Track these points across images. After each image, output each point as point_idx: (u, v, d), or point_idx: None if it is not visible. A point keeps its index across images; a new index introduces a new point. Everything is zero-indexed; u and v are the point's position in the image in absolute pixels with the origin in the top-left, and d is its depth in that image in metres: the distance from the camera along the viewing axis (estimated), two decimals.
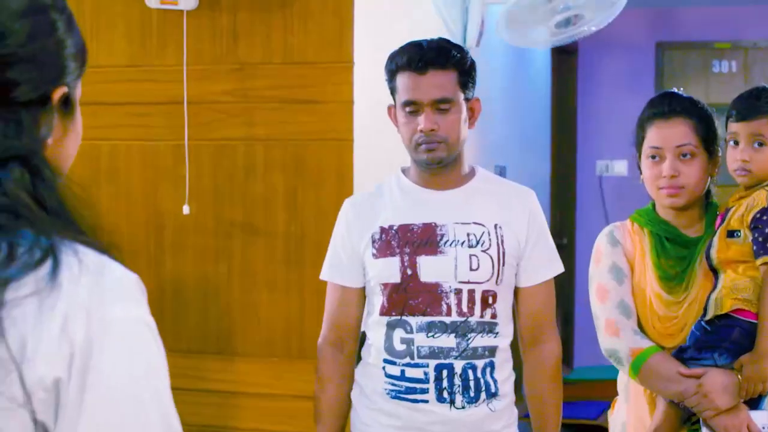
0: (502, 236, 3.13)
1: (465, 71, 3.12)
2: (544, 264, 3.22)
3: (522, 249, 3.16)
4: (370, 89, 4.05)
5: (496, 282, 3.11)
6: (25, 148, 1.35)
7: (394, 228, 3.14)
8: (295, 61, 4.05)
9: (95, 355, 1.28)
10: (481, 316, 3.10)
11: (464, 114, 3.12)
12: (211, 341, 4.17)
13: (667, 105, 3.19)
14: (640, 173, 3.23)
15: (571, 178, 8.87)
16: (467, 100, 3.14)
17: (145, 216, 4.24)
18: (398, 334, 3.12)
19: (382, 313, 3.13)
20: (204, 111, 4.14)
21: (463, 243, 3.10)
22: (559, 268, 3.26)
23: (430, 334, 3.08)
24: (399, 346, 3.11)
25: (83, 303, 1.29)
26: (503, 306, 3.15)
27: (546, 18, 5.03)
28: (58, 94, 1.42)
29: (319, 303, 3.96)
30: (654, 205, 3.24)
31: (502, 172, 6.38)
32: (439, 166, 3.12)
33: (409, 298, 3.10)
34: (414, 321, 3.09)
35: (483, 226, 3.13)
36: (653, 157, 3.14)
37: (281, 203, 4.08)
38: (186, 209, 4.12)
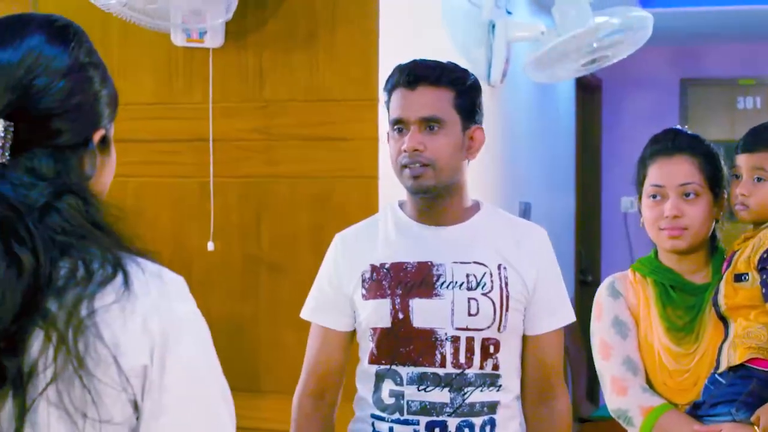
0: (506, 278, 2.80)
1: (463, 92, 2.82)
2: (554, 311, 2.90)
3: (530, 293, 2.83)
4: None
5: (499, 329, 2.79)
6: (75, 183, 1.61)
7: (386, 266, 2.83)
8: (321, 99, 4.06)
9: (170, 344, 1.59)
10: (481, 368, 2.77)
11: (458, 139, 2.80)
12: (237, 378, 4.14)
13: (670, 141, 3.01)
14: (641, 215, 3.06)
15: (596, 215, 8.86)
16: (466, 126, 2.83)
17: (171, 253, 4.24)
18: (387, 385, 2.80)
19: (370, 362, 2.84)
20: (230, 148, 4.16)
21: (461, 285, 2.78)
22: (569, 317, 2.94)
23: (421, 387, 2.76)
24: (388, 400, 2.80)
25: (154, 303, 1.61)
26: (508, 356, 2.83)
27: (575, 60, 5.05)
28: (97, 136, 1.68)
29: None
30: (656, 253, 3.06)
31: (527, 208, 6.37)
32: (428, 196, 2.80)
33: (400, 345, 2.78)
34: (404, 371, 2.78)
35: (485, 266, 2.80)
36: (654, 196, 2.97)
37: (306, 240, 4.09)
38: (211, 246, 4.12)
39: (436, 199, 2.83)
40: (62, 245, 1.56)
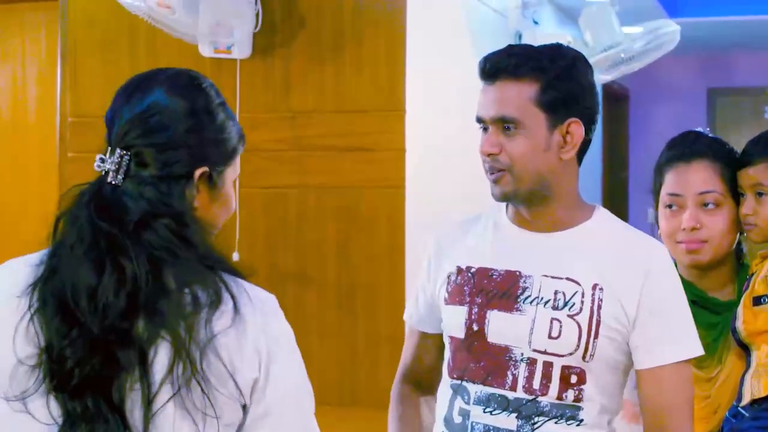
0: (600, 300, 2.40)
1: (551, 83, 2.40)
2: (668, 340, 2.41)
3: (630, 321, 2.40)
4: (422, 137, 4.06)
5: (584, 357, 2.39)
6: (175, 208, 1.89)
7: (472, 270, 2.51)
8: (347, 110, 4.06)
9: (273, 358, 1.90)
10: (559, 398, 2.40)
11: (542, 140, 2.40)
12: None
13: (688, 146, 2.74)
14: (658, 227, 2.80)
15: None
16: (555, 123, 2.41)
17: None
18: (458, 403, 2.50)
19: (448, 373, 2.54)
20: (256, 159, 4.16)
21: (547, 302, 2.42)
22: (692, 350, 2.43)
23: (488, 409, 2.45)
24: (456, 418, 2.51)
25: (260, 326, 1.90)
26: (596, 389, 2.42)
27: (601, 70, 5.06)
28: (198, 172, 1.94)
29: (371, 350, 3.97)
30: (677, 266, 2.69)
31: None
32: (513, 202, 2.49)
33: (471, 359, 2.48)
34: (473, 389, 2.46)
35: (578, 284, 2.42)
36: (670, 206, 2.71)
37: (333, 250, 4.09)
38: (236, 256, 4.13)
39: (528, 205, 2.48)
40: (157, 259, 1.83)
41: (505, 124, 2.40)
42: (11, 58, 5.35)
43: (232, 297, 1.87)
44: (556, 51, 2.46)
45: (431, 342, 2.67)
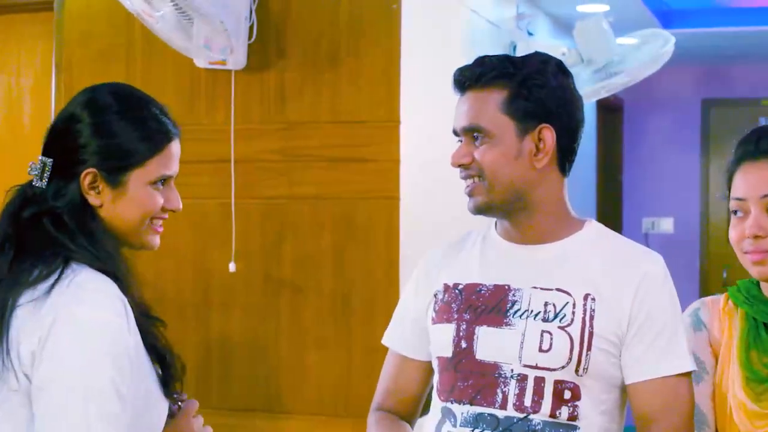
0: (592, 311, 2.28)
1: (520, 90, 2.33)
2: (658, 354, 2.29)
3: (624, 332, 2.29)
4: (417, 148, 4.06)
5: (577, 371, 2.27)
6: (56, 208, 2.13)
7: (460, 287, 2.41)
8: (343, 120, 4.07)
9: (54, 337, 1.98)
10: (552, 416, 2.26)
11: (512, 148, 2.33)
12: (258, 399, 4.17)
13: (753, 144, 2.36)
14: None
15: None
16: (526, 129, 2.33)
17: (192, 274, 4.26)
18: (445, 427, 2.36)
19: (437, 397, 2.41)
20: (251, 170, 4.17)
21: (537, 315, 2.31)
22: (683, 365, 2.30)
23: (476, 431, 2.31)
24: None
25: (59, 305, 2.00)
26: (592, 406, 2.29)
27: (592, 81, 5.07)
28: (83, 174, 2.14)
29: (367, 361, 3.97)
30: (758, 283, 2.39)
31: None
32: (490, 215, 2.41)
33: (458, 379, 2.35)
34: (459, 411, 2.33)
35: (568, 294, 2.31)
36: (736, 212, 2.35)
37: (328, 261, 4.09)
38: (232, 267, 4.13)
39: (509, 218, 2.40)
40: (33, 248, 2.10)
41: (474, 133, 2.35)
42: (6, 69, 5.34)
43: (57, 279, 2.03)
44: (526, 58, 2.41)
45: (414, 369, 2.53)
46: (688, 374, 2.32)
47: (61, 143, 2.16)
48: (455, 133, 2.42)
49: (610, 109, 8.55)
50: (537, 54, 2.44)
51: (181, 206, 2.34)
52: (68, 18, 4.43)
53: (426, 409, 2.53)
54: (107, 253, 2.13)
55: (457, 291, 2.41)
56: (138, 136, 2.19)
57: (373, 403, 2.60)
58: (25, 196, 2.17)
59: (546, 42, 5.89)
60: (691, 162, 8.92)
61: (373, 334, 3.95)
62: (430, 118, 4.21)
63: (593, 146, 8.24)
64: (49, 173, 2.16)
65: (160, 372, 2.19)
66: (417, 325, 2.49)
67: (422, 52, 4.22)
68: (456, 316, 2.38)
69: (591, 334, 2.28)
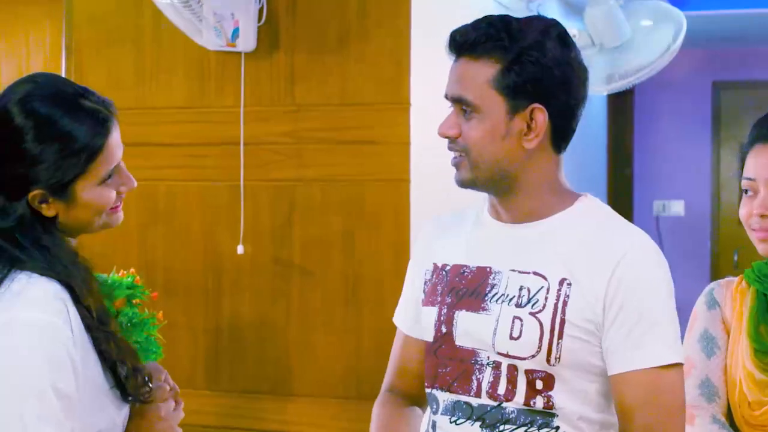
0: (566, 296, 2.15)
1: (513, 65, 2.16)
2: (635, 343, 2.12)
3: (601, 320, 2.14)
4: (426, 130, 4.05)
5: (548, 360, 2.15)
6: (9, 225, 2.11)
7: (447, 268, 2.32)
8: (352, 103, 4.06)
9: None
10: (527, 404, 2.16)
11: (499, 126, 2.18)
12: (268, 381, 4.17)
13: (766, 125, 2.47)
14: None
15: (627, 218, 8.79)
16: (516, 108, 2.17)
17: (201, 256, 4.26)
18: (429, 414, 2.32)
19: (425, 381, 2.36)
20: (260, 152, 4.16)
21: (511, 299, 2.19)
22: (663, 355, 2.12)
23: (453, 419, 2.24)
24: (430, 430, 2.32)
25: None
26: (570, 396, 2.17)
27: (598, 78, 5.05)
28: (31, 195, 2.10)
29: (376, 343, 3.97)
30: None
31: None
32: (474, 189, 2.28)
33: (439, 365, 2.28)
34: (441, 398, 2.27)
35: (544, 278, 2.18)
36: (746, 191, 2.43)
37: (338, 244, 4.09)
38: (240, 249, 4.13)
39: (495, 194, 2.28)
40: None
41: (462, 105, 2.20)
42: (16, 52, 5.35)
43: None
44: (525, 26, 2.20)
45: (416, 347, 2.43)
46: (673, 366, 2.13)
47: (3, 166, 2.10)
48: (446, 97, 2.26)
49: (620, 92, 8.53)
50: (538, 20, 2.25)
51: (135, 184, 2.24)
52: (77, 1, 4.42)
53: None
54: (60, 263, 2.10)
55: (444, 272, 2.32)
56: (73, 147, 2.11)
57: (384, 382, 2.54)
58: None
59: None
60: (701, 144, 8.90)
61: (382, 316, 3.95)
62: (440, 100, 4.20)
63: (604, 129, 8.23)
64: None
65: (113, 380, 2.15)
66: (416, 303, 2.41)
67: (432, 34, 4.20)
68: (439, 300, 2.29)
69: (563, 321, 2.13)
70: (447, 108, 2.27)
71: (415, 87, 4.00)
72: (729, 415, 2.44)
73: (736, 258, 8.22)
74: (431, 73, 4.13)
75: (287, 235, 4.16)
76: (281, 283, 4.17)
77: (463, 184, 2.25)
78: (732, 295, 2.49)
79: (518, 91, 2.16)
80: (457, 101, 2.20)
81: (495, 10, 4.93)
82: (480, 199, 2.37)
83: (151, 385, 2.23)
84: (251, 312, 4.19)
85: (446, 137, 2.23)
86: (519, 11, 5.09)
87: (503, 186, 2.23)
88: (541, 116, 2.18)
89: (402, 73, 3.99)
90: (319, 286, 4.11)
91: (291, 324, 4.15)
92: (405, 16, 3.99)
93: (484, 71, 2.16)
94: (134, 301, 3.52)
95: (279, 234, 4.17)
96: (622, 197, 8.66)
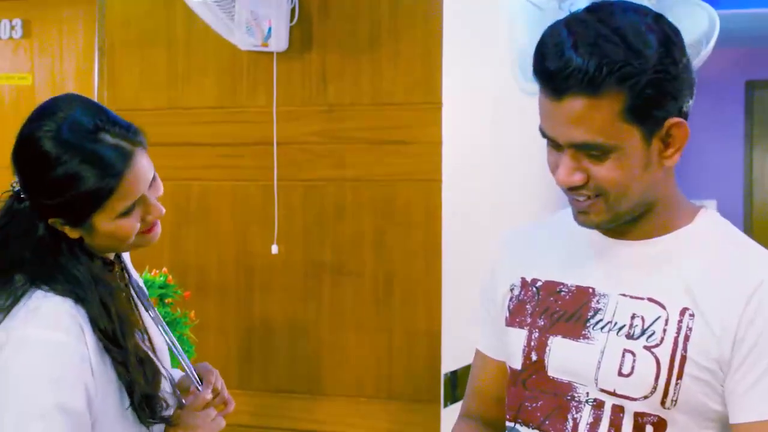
0: (688, 329, 1.86)
1: (641, 88, 1.81)
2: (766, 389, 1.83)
3: (728, 359, 1.85)
4: (458, 130, 4.05)
5: (663, 403, 1.87)
6: (27, 236, 2.18)
7: (538, 284, 2.06)
8: (384, 103, 4.06)
9: (6, 352, 2.03)
10: None
11: (640, 157, 1.87)
12: (299, 381, 4.18)
13: None
14: None
15: None
16: (653, 130, 1.87)
17: (234, 256, 4.27)
18: None
19: (506, 412, 2.10)
20: (293, 152, 4.17)
21: (621, 329, 1.91)
22: None
23: None
24: None
25: (11, 324, 2.05)
26: None
27: None
28: (51, 221, 2.16)
29: (407, 344, 3.96)
30: None
31: None
32: (603, 228, 1.99)
33: (527, 397, 2.02)
34: None
35: (662, 307, 1.89)
36: None
37: (370, 243, 4.09)
38: (275, 249, 4.14)
39: (624, 221, 1.98)
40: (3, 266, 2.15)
41: (588, 150, 1.87)
42: (49, 52, 5.38)
43: (14, 303, 2.09)
44: (639, 41, 1.83)
45: (495, 369, 2.21)
46: None
47: (27, 190, 2.17)
48: (544, 135, 1.94)
49: None
50: (646, 31, 1.85)
51: (163, 210, 2.23)
52: (109, 1, 4.43)
53: None
54: (78, 284, 2.13)
55: (534, 289, 2.06)
56: (80, 189, 2.12)
57: (461, 407, 2.34)
58: (11, 210, 2.20)
59: None
60: (734, 144, 8.86)
61: (413, 317, 3.95)
62: (472, 100, 4.19)
63: None
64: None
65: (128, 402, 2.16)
66: (495, 321, 2.16)
67: (464, 33, 4.20)
68: (529, 321, 2.03)
69: (683, 358, 1.86)
70: (543, 145, 1.98)
71: (447, 87, 3.99)
72: None
73: None
74: (464, 73, 4.13)
75: (319, 235, 4.16)
76: (313, 282, 4.17)
77: (597, 227, 1.97)
78: None
79: (655, 115, 1.87)
80: (581, 147, 1.87)
81: (528, 10, 4.92)
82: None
83: (170, 405, 2.24)
84: (283, 312, 4.20)
85: (571, 190, 1.93)
86: (552, 10, 5.07)
87: (639, 210, 1.96)
88: (681, 130, 1.90)
89: (434, 72, 3.98)
90: (350, 286, 4.11)
91: (322, 324, 4.15)
92: (437, 15, 3.98)
93: (611, 106, 1.82)
94: (166, 301, 3.54)
95: (310, 234, 4.17)
96: None
